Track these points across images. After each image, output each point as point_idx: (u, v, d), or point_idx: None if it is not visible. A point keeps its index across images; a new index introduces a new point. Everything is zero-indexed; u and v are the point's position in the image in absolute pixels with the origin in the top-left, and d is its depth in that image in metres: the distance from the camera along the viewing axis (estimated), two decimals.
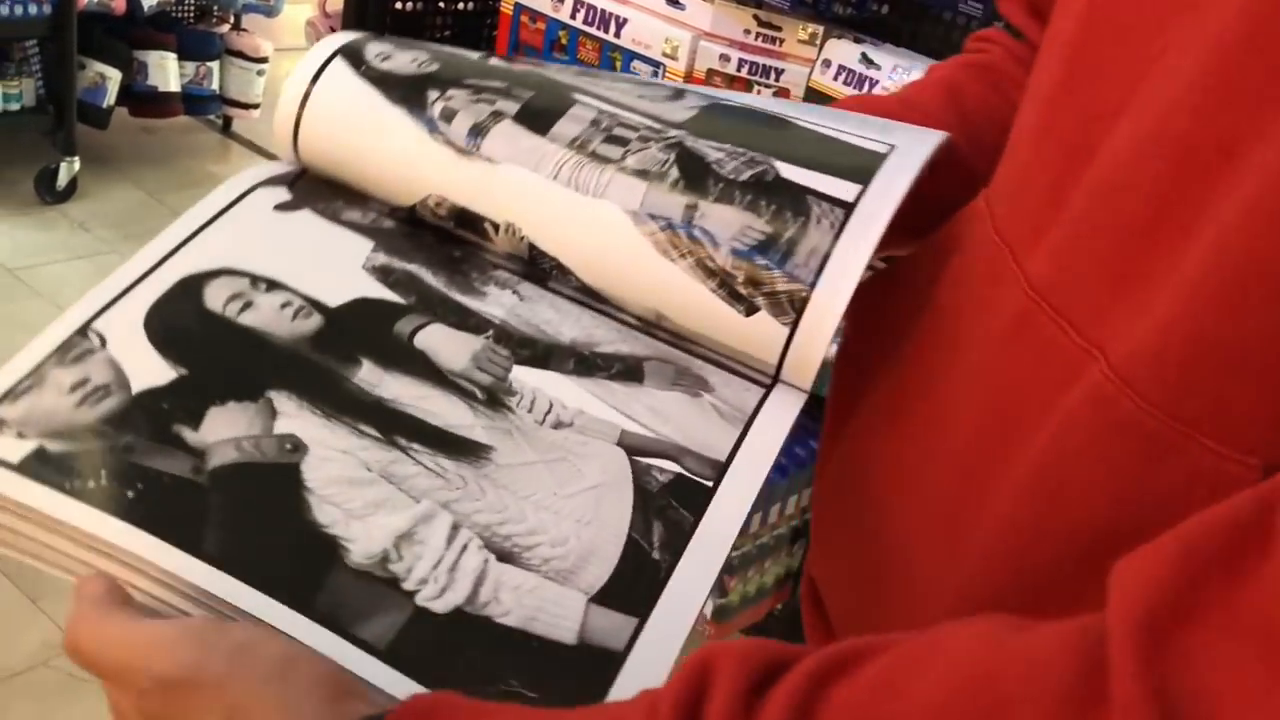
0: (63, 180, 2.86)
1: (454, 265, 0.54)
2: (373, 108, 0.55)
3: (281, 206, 0.55)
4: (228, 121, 3.39)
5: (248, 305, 0.50)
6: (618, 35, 1.37)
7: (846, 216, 0.50)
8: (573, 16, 1.40)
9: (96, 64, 2.89)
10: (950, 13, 1.26)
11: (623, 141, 0.53)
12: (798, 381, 0.51)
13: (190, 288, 0.50)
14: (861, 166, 0.52)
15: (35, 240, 2.77)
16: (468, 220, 0.54)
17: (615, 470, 0.48)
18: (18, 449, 0.43)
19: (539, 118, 0.54)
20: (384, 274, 0.53)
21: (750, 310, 0.50)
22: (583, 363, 0.51)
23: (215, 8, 3.22)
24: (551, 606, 0.42)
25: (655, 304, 0.52)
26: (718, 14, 1.32)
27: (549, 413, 0.49)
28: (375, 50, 0.57)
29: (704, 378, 0.52)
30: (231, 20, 3.27)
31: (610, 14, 1.37)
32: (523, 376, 0.50)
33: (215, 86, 3.18)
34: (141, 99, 3.02)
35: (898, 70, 1.20)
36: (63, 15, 2.70)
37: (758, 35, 1.31)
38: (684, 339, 0.53)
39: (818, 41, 1.28)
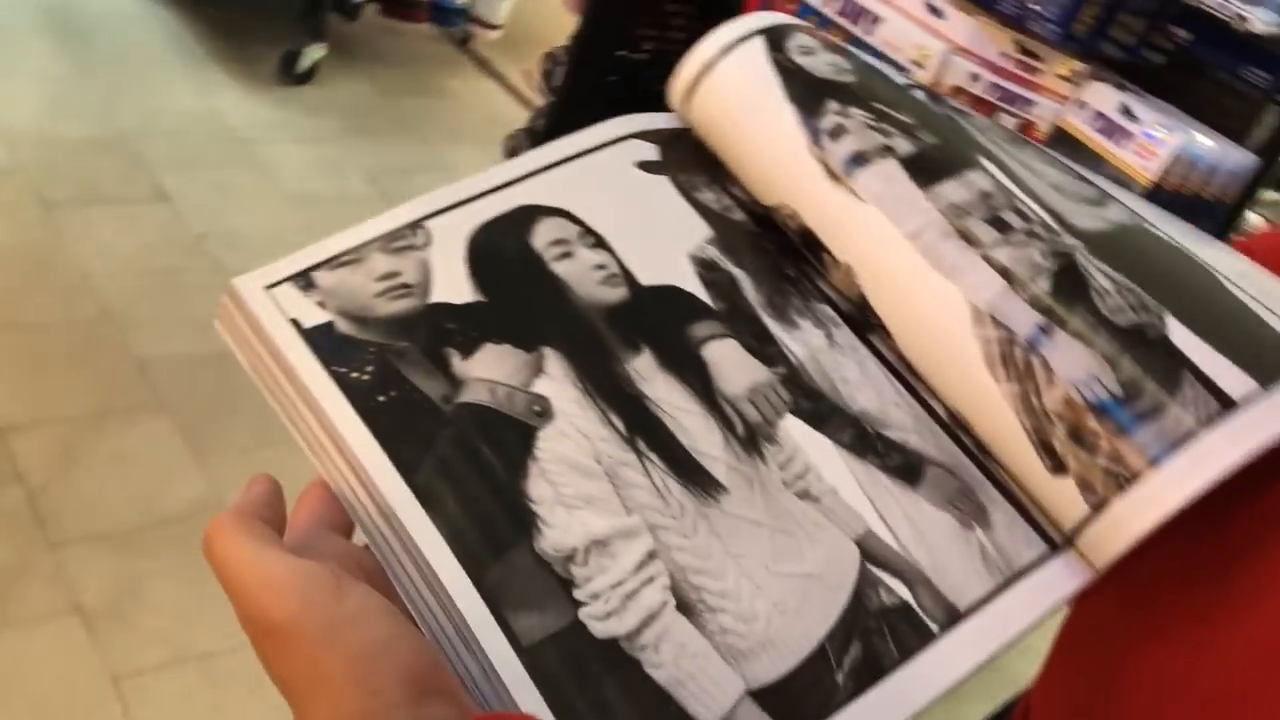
0: (304, 64, 3.00)
1: (780, 284, 0.51)
2: (769, 96, 0.52)
3: (644, 165, 0.54)
4: (466, 38, 3.44)
5: (567, 255, 0.49)
6: (869, 32, 1.27)
7: (1222, 413, 0.41)
8: (826, 3, 1.30)
9: None
10: (1232, 77, 1.06)
11: (1005, 228, 0.47)
12: (1092, 557, 0.44)
13: (524, 218, 0.50)
14: (1275, 360, 0.43)
15: (267, 116, 2.94)
16: (812, 243, 0.51)
17: (840, 568, 0.43)
18: (313, 316, 0.46)
19: (928, 169, 0.49)
20: (707, 269, 0.51)
21: (1057, 469, 0.43)
22: (861, 439, 0.47)
23: None
24: (707, 680, 0.40)
25: (965, 411, 0.47)
26: (978, 31, 1.20)
27: (800, 478, 0.45)
28: (799, 42, 0.54)
29: (986, 510, 0.46)
30: None
31: (867, 9, 1.26)
32: (792, 429, 0.46)
33: (464, 1, 3.23)
34: (393, 2, 3.12)
35: (1157, 128, 1.04)
36: None
37: (1015, 61, 1.19)
38: (988, 453, 0.47)
39: (1078, 81, 1.15)
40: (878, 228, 0.48)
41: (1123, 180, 1.09)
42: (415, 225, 0.49)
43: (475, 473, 0.42)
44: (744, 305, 0.50)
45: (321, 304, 0.46)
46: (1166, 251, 0.48)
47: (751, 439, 0.46)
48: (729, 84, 0.54)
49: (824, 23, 1.33)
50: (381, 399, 0.44)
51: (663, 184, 0.53)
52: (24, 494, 1.79)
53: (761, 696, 0.40)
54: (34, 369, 2.02)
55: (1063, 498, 0.43)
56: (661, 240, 0.51)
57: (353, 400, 0.43)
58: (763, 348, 0.49)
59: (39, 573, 1.69)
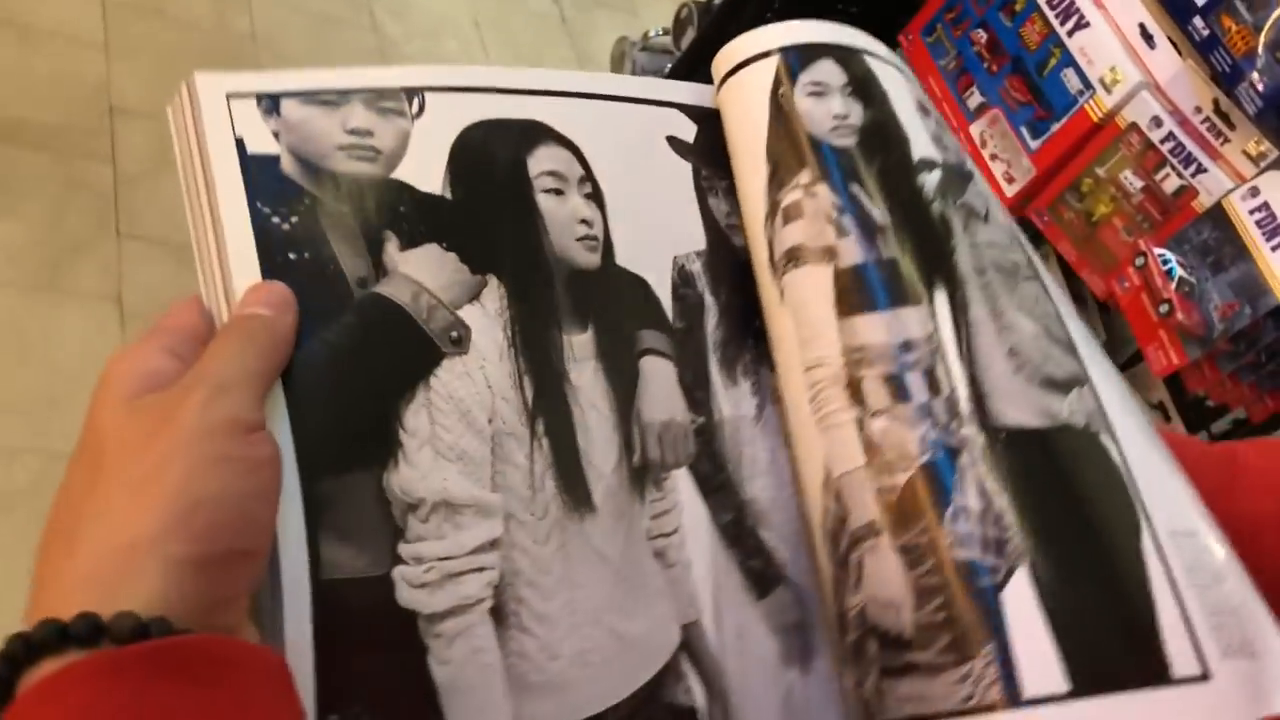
0: None
1: (742, 333, 0.48)
2: (753, 139, 0.47)
3: (675, 143, 0.49)
4: None
5: (558, 192, 0.44)
6: (1070, 33, 1.13)
7: (989, 708, 0.37)
8: None
9: None
10: None
11: (901, 394, 0.42)
12: None
13: (531, 134, 0.45)
14: (1117, 669, 0.38)
15: None
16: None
17: (656, 646, 0.40)
18: (263, 143, 0.39)
19: (861, 292, 0.43)
20: (684, 281, 0.47)
21: (844, 662, 0.41)
22: (736, 527, 0.44)
23: None
24: (480, 697, 0.36)
25: (818, 563, 0.43)
26: (1181, 75, 1.07)
27: (665, 536, 0.42)
28: (817, 75, 0.48)
29: (813, 652, 0.44)
30: None
31: (1078, 9, 1.13)
32: (681, 484, 0.43)
33: None
34: None
35: None
36: None
37: (1205, 120, 1.07)
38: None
39: (1261, 165, 1.03)
40: (786, 339, 0.44)
41: (1260, 287, 0.97)
42: (413, 92, 0.43)
43: (357, 372, 0.37)
44: (699, 338, 0.46)
45: (277, 134, 0.40)
46: (1096, 477, 0.42)
47: (642, 473, 0.42)
48: (735, 102, 0.49)
49: (1033, 7, 1.17)
50: (292, 255, 0.38)
51: (683, 173, 0.49)
52: (111, 177, 1.76)
53: None
54: (168, 63, 1.91)
55: (843, 686, 0.41)
56: (656, 229, 0.47)
57: (261, 244, 0.37)
58: (695, 388, 0.45)
59: (97, 256, 1.68)
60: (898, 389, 0.42)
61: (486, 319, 0.40)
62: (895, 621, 0.38)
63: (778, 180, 0.46)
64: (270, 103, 0.41)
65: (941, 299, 0.44)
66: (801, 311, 0.43)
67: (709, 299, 0.47)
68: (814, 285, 0.44)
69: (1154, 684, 0.37)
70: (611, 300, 0.44)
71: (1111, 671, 0.37)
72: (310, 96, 0.41)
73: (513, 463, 0.39)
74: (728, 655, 0.42)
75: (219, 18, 2.15)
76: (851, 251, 0.44)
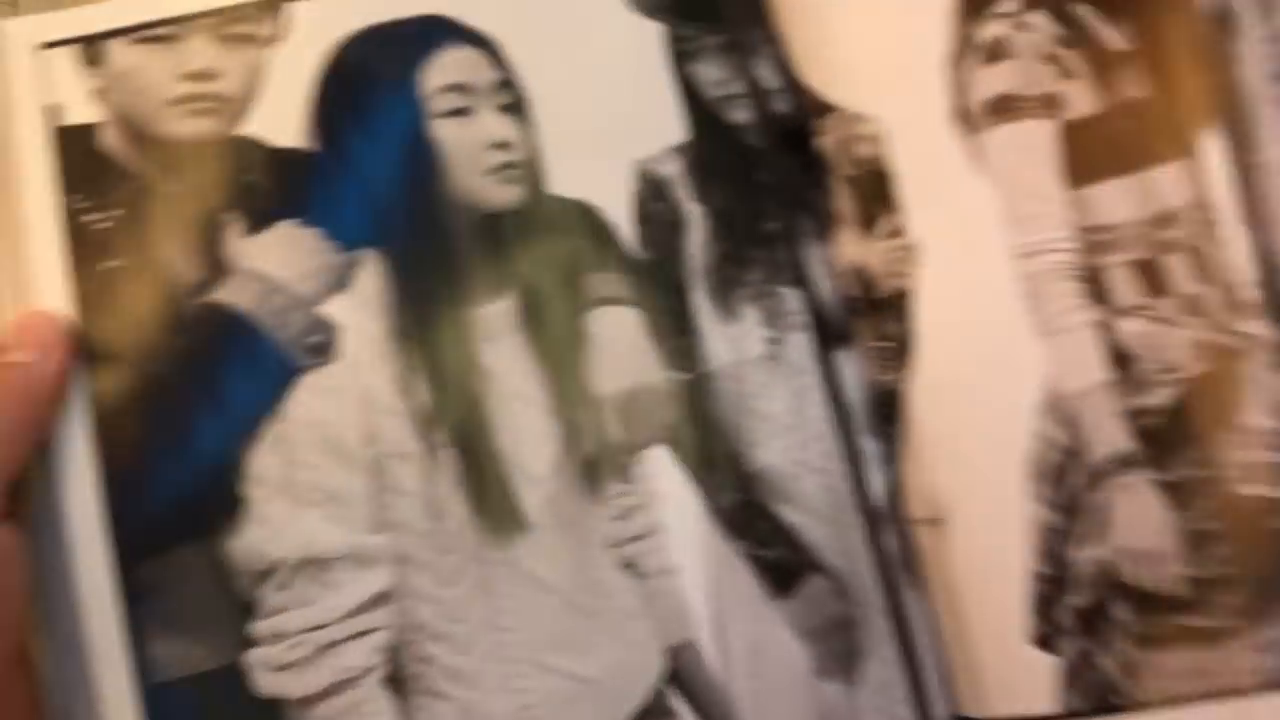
0: None
1: (747, 243, 0.36)
2: None
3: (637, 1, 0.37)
4: None
5: (461, 112, 0.34)
6: (1264, 16, 0.88)
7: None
8: None
9: None
10: None
11: (1159, 287, 0.33)
12: None
13: (425, 36, 0.35)
14: None
15: None
16: (873, 181, 0.36)
17: (628, 682, 0.33)
18: (81, 109, 0.33)
19: (1095, 149, 0.33)
20: (651, 192, 0.36)
21: (1043, 641, 0.32)
22: (743, 511, 0.34)
23: None
24: None
25: (958, 508, 0.34)
26: None
27: (636, 539, 0.34)
28: None
29: (860, 655, 0.34)
30: None
31: None
32: (656, 468, 0.34)
33: None
34: None
35: None
36: None
37: None
38: (913, 579, 0.35)
39: None
40: (984, 215, 0.33)
41: None
42: (273, 4, 0.34)
43: (184, 413, 0.31)
44: (675, 265, 0.35)
45: (100, 93, 0.32)
46: None
47: (595, 466, 0.33)
48: None
49: None
50: (112, 263, 0.31)
51: (649, 37, 0.37)
52: None
53: None
54: None
55: (1027, 677, 0.32)
56: (608, 129, 0.36)
57: (77, 252, 0.31)
58: (674, 336, 0.35)
59: None
60: (1154, 278, 0.33)
61: (361, 310, 0.32)
62: (1158, 577, 0.32)
63: (971, 6, 0.35)
64: (93, 50, 0.33)
65: (1212, 145, 0.33)
66: (1011, 180, 0.34)
67: (693, 209, 0.36)
68: (1030, 145, 0.34)
69: None
70: (539, 246, 0.34)
71: None
72: (143, 32, 0.34)
73: (402, 491, 0.32)
74: (737, 678, 0.33)
75: None
76: (1081, 99, 0.34)
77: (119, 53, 0.33)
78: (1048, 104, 0.34)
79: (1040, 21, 0.34)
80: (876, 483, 0.36)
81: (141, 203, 0.32)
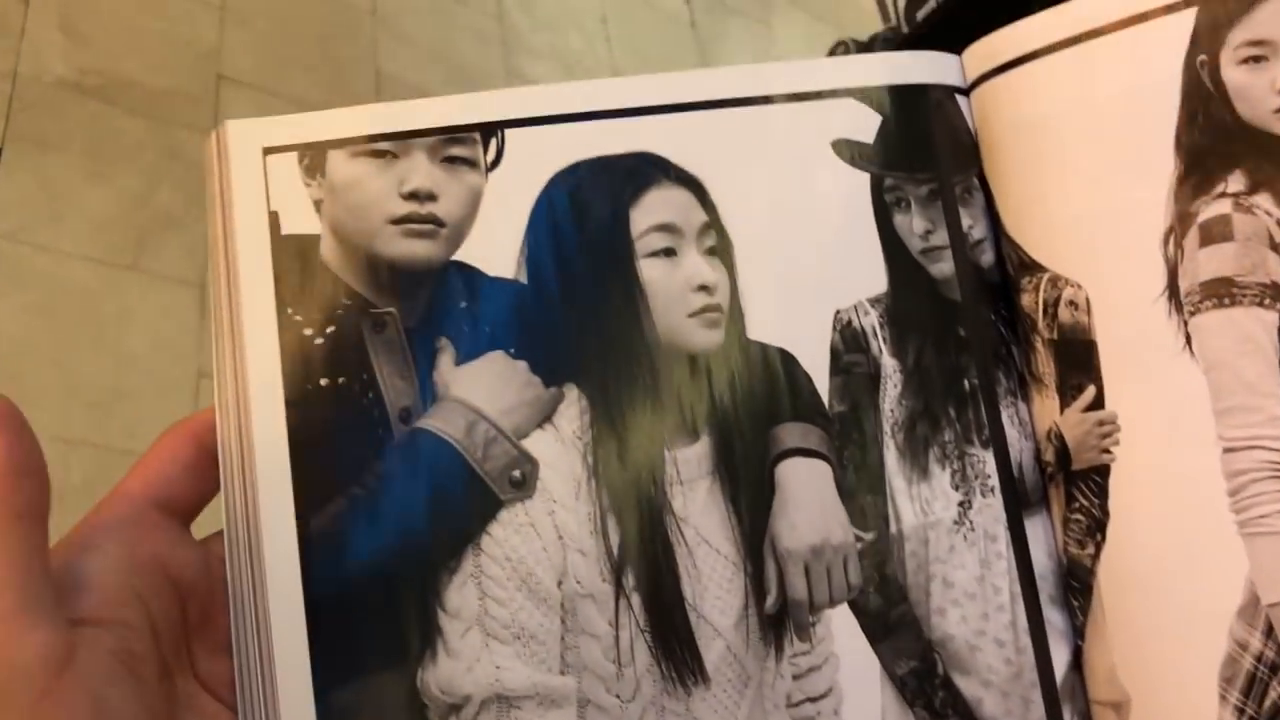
0: None
1: (943, 399, 0.36)
2: (1151, 128, 0.34)
3: (848, 148, 0.37)
4: None
5: (668, 253, 0.35)
6: None
7: None
8: None
9: None
10: None
11: None
12: None
13: (639, 175, 0.35)
14: None
15: None
16: (1075, 348, 0.35)
17: None
18: (301, 219, 0.33)
19: None
20: (846, 344, 0.36)
21: None
22: (921, 679, 0.34)
23: None
24: None
25: (1139, 696, 0.33)
26: None
27: (813, 701, 0.33)
28: (1254, 31, 0.34)
29: None
30: None
31: None
32: (838, 626, 0.34)
33: None
34: None
35: None
36: None
37: None
38: None
39: None
40: (1189, 404, 0.32)
41: None
42: (491, 129, 0.35)
43: (389, 541, 0.31)
44: (870, 419, 0.35)
45: (319, 204, 0.33)
46: None
47: (778, 622, 0.33)
48: (1106, 77, 0.35)
49: None
50: (324, 382, 0.32)
51: (857, 188, 0.37)
52: None
53: None
54: (282, 34, 1.83)
55: None
56: (811, 277, 0.36)
57: (288, 368, 0.32)
58: (862, 494, 0.35)
59: (186, 235, 1.54)
60: None
61: (560, 446, 0.33)
62: None
63: (1191, 184, 0.34)
64: (315, 156, 0.34)
65: None
66: (1223, 368, 0.33)
67: (888, 362, 0.36)
68: (1247, 335, 0.33)
69: None
70: (737, 390, 0.34)
71: None
72: (363, 144, 0.34)
73: (591, 633, 0.32)
74: None
75: None
76: None
77: (339, 164, 0.34)
78: (1269, 292, 0.33)
79: (1267, 204, 0.33)
80: (1060, 657, 0.35)
81: (357, 320, 0.33)
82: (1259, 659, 0.31)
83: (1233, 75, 0.34)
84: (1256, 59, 0.34)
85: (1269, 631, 0.31)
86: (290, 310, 0.32)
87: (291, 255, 0.33)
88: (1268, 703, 0.31)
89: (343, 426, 0.31)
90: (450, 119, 0.35)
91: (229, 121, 0.34)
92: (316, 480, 0.31)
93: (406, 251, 0.33)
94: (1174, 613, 0.32)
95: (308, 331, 0.32)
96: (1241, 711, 0.31)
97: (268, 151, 0.34)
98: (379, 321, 0.33)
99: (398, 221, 0.34)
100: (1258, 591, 0.31)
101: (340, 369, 0.32)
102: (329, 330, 0.32)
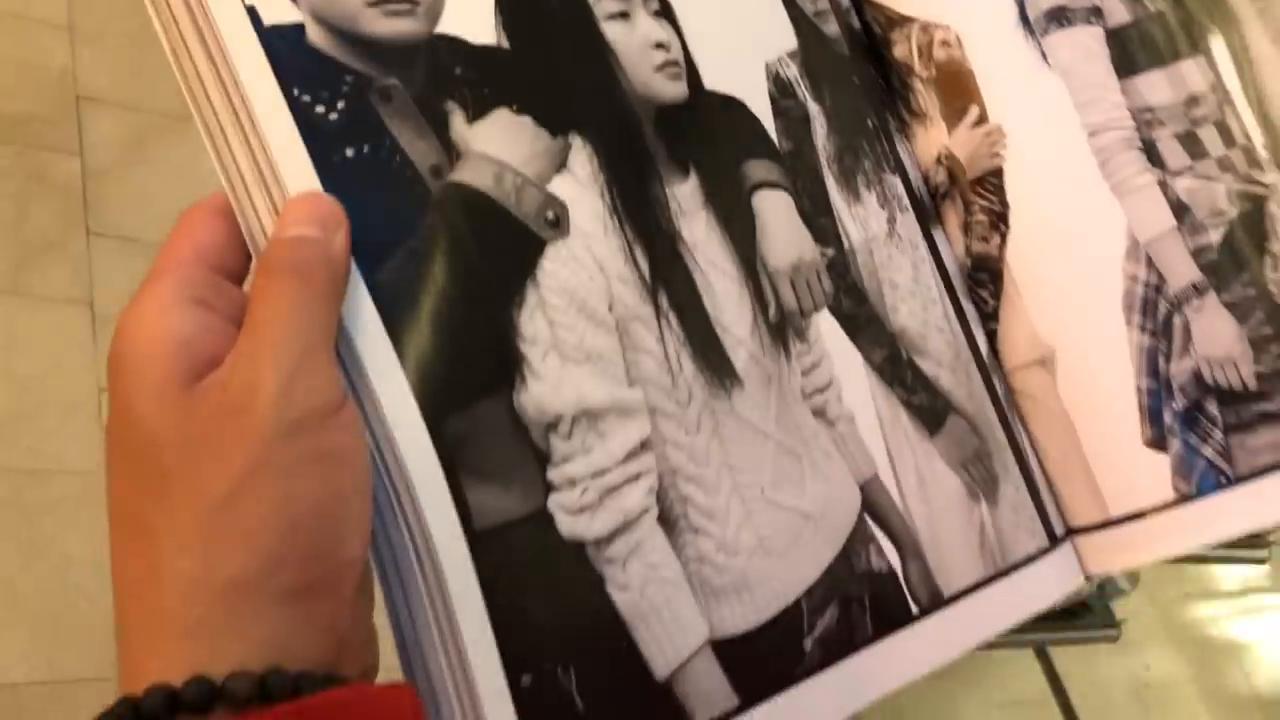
0: None
1: (855, 137, 0.41)
2: None
3: None
4: None
5: (624, 15, 0.37)
6: None
7: None
8: None
9: None
10: None
11: (1198, 152, 0.41)
12: (1093, 560, 0.40)
13: None
14: None
15: None
16: (953, 80, 0.41)
17: (837, 513, 0.36)
18: (279, 10, 0.32)
19: (1135, 48, 0.42)
20: (781, 91, 0.40)
21: (1156, 442, 0.38)
22: (893, 363, 0.39)
23: None
24: (669, 617, 0.32)
25: (1062, 344, 0.40)
26: None
27: (821, 391, 0.38)
28: None
29: (997, 481, 0.40)
30: None
31: None
32: (825, 328, 0.38)
33: None
34: None
35: None
36: None
37: None
38: (1020, 416, 0.41)
39: None
40: (1056, 104, 0.40)
41: None
42: None
43: (457, 282, 0.32)
44: (810, 154, 0.40)
45: None
46: None
47: (781, 328, 0.37)
48: None
49: None
50: (350, 153, 0.31)
51: None
52: (80, 171, 1.60)
53: (723, 650, 0.33)
54: (137, 48, 1.73)
55: (1142, 474, 0.38)
56: (741, 35, 0.40)
57: (313, 146, 0.31)
58: (817, 216, 0.39)
59: (66, 256, 1.54)
60: (1193, 146, 0.41)
61: (580, 188, 0.34)
62: (1236, 377, 0.39)
63: None
64: None
65: (1218, 45, 0.41)
66: (1076, 73, 0.41)
67: (813, 106, 0.41)
68: (1088, 45, 0.41)
69: None
70: (709, 134, 0.38)
71: None
72: None
73: (644, 349, 0.34)
74: (912, 504, 0.38)
75: None
76: (1119, 9, 0.41)
77: None
78: (1094, 13, 0.41)
79: None
80: (981, 336, 0.42)
81: (363, 91, 0.33)
82: (1146, 284, 0.39)
83: None
84: None
85: (1149, 263, 0.39)
86: (296, 92, 0.32)
87: (280, 42, 0.32)
88: (1159, 317, 0.39)
89: (382, 191, 0.31)
90: None
91: None
92: (373, 237, 0.31)
93: (390, 29, 0.34)
94: (1077, 267, 0.40)
95: (320, 109, 0.32)
96: (1144, 329, 0.39)
97: None
98: (385, 93, 0.33)
99: (374, 3, 0.34)
100: (1135, 234, 0.40)
101: (363, 138, 0.32)
102: (340, 105, 0.32)
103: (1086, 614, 1.67)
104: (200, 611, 0.24)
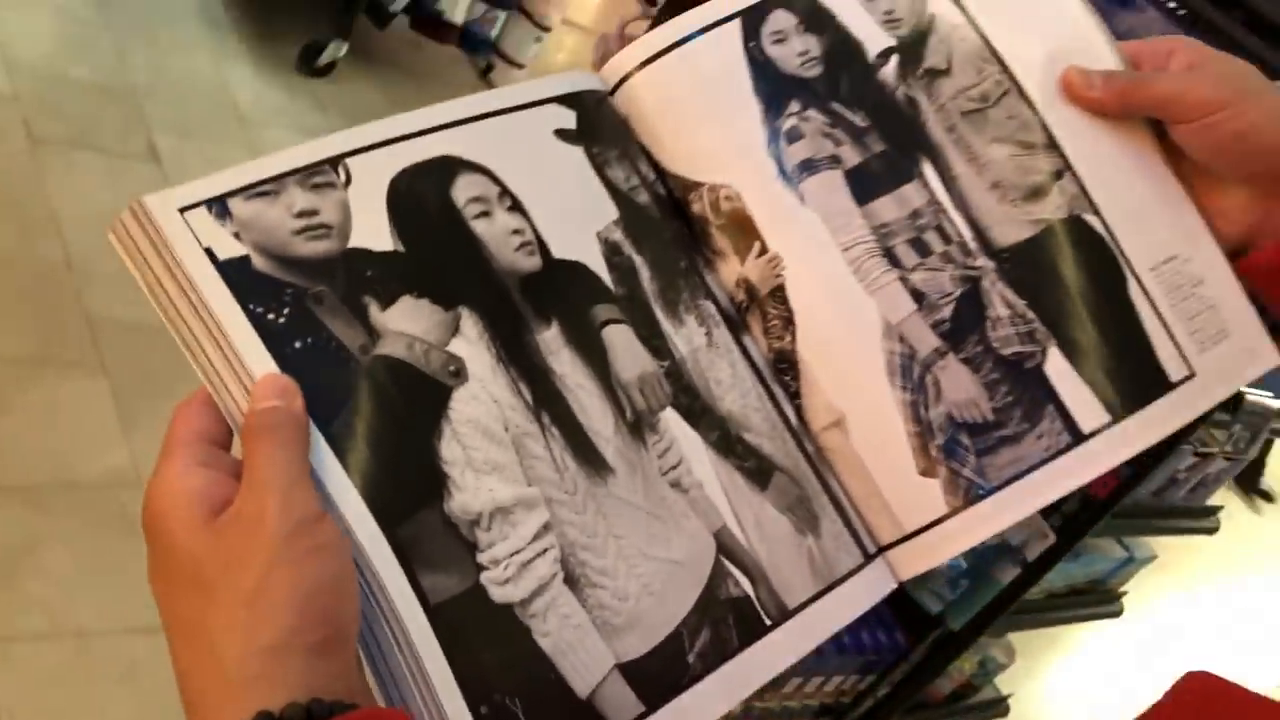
0: (324, 59, 2.92)
1: (673, 276, 0.54)
2: (736, 88, 0.56)
3: (561, 134, 0.55)
4: (489, 67, 3.43)
5: (486, 214, 0.50)
6: None
7: (1066, 447, 0.52)
8: None
9: None
10: None
11: (925, 251, 0.54)
12: (902, 568, 0.52)
13: (446, 168, 0.50)
14: (1135, 393, 0.54)
15: (275, 101, 2.84)
16: (738, 224, 0.55)
17: (699, 558, 0.48)
18: (229, 248, 0.44)
19: (867, 182, 0.55)
20: (611, 251, 0.53)
21: (927, 471, 0.51)
22: (725, 440, 0.52)
23: None
24: (583, 652, 0.44)
25: (848, 408, 0.53)
26: None
27: (674, 468, 0.50)
28: (774, 26, 0.57)
29: (818, 518, 0.52)
30: None
31: None
32: (670, 421, 0.51)
33: (494, 34, 3.24)
34: (426, 18, 3.08)
35: None
36: None
37: None
38: (828, 466, 0.54)
39: None
40: (815, 232, 0.54)
41: None
42: (335, 162, 0.48)
43: (391, 428, 0.43)
44: (640, 294, 0.53)
45: (237, 235, 0.45)
46: (1083, 256, 0.55)
47: (637, 425, 0.49)
48: (697, 65, 0.56)
49: None
50: (298, 344, 0.43)
51: (577, 156, 0.55)
52: None
53: (627, 671, 0.44)
54: None
55: (923, 497, 0.51)
56: (574, 214, 0.53)
57: (269, 344, 0.43)
58: (652, 339, 0.52)
59: None
60: (921, 247, 0.55)
61: (471, 345, 0.47)
62: (978, 413, 0.53)
63: (771, 110, 0.56)
64: (219, 206, 0.45)
65: (929, 169, 0.56)
66: (828, 207, 0.55)
67: (637, 258, 0.54)
68: (832, 184, 0.55)
69: (1161, 393, 0.54)
70: (562, 291, 0.50)
71: (1131, 397, 0.53)
72: (250, 190, 0.46)
73: (536, 456, 0.46)
74: (755, 544, 0.50)
75: (28, 248, 2.05)
76: (850, 155, 0.56)
77: (239, 206, 0.45)
78: (834, 160, 0.56)
79: (814, 114, 0.56)
80: (790, 410, 0.55)
81: (301, 299, 0.45)
82: (902, 355, 0.53)
83: (771, 51, 0.57)
84: (780, 41, 0.57)
85: (901, 338, 0.53)
86: (251, 305, 0.43)
87: (233, 271, 0.44)
88: (915, 377, 0.53)
89: (325, 370, 0.43)
90: (304, 160, 0.47)
91: (143, 196, 0.44)
92: (324, 403, 0.42)
93: (313, 250, 0.46)
94: (849, 349, 0.53)
95: (270, 315, 0.43)
96: (905, 388, 0.52)
97: (183, 210, 0.44)
98: (317, 297, 0.45)
99: (298, 233, 0.46)
100: (887, 319, 0.53)
101: (306, 332, 0.44)
102: (285, 310, 0.44)
103: (973, 693, 1.80)
104: (253, 670, 0.35)
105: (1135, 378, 0.54)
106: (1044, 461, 0.52)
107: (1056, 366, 0.54)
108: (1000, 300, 0.55)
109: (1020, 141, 0.57)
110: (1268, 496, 4.42)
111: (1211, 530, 1.99)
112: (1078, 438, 0.52)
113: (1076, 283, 0.55)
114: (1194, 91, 0.53)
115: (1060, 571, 1.78)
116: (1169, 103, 0.54)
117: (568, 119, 0.55)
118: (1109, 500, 1.44)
